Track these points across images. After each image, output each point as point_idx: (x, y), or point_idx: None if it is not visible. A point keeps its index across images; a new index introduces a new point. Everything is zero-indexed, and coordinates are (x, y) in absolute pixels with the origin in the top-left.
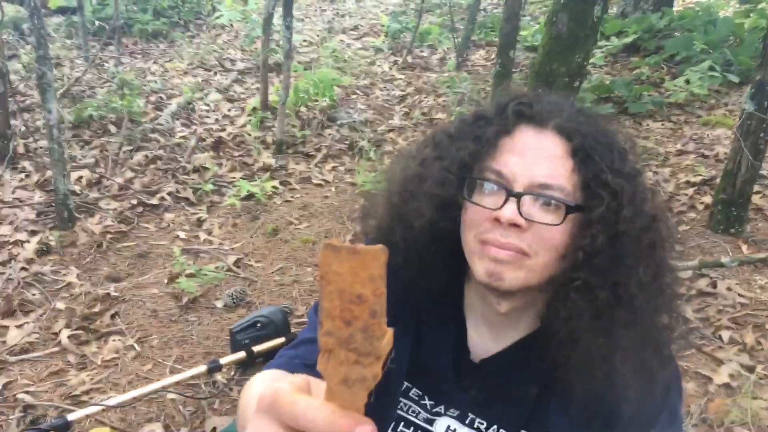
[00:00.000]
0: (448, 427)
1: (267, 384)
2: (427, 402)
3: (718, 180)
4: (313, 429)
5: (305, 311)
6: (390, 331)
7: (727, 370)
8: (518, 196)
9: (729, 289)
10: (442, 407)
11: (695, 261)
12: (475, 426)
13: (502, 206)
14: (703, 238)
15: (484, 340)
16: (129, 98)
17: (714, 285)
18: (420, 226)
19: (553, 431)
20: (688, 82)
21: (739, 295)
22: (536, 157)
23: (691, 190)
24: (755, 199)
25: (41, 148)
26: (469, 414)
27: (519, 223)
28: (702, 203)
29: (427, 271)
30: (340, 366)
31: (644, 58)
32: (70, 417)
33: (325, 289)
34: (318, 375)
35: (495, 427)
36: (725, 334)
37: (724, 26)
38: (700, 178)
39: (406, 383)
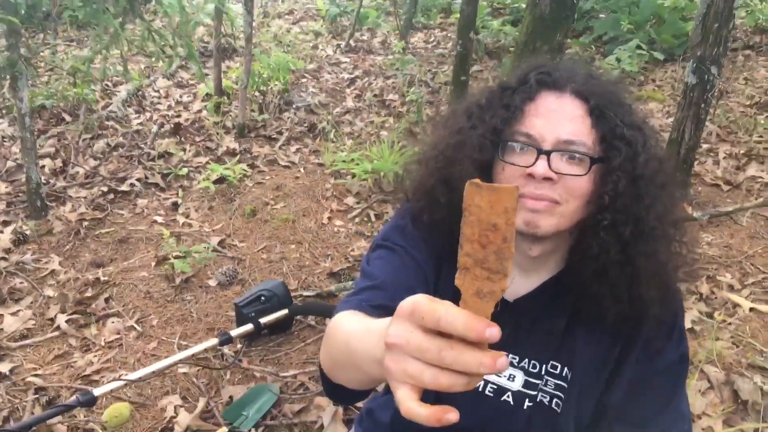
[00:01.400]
0: None
1: (354, 321)
2: None
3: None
4: (453, 328)
5: (298, 285)
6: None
7: (690, 317)
8: (547, 154)
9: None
10: None
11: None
12: (511, 363)
13: (534, 163)
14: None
15: (516, 281)
16: (82, 86)
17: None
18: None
19: (579, 358)
20: (618, 60)
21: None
22: (559, 118)
23: None
24: (694, 166)
25: (3, 137)
26: (504, 352)
27: (550, 176)
28: None
29: None
30: (474, 281)
31: (575, 39)
32: (96, 392)
33: (467, 219)
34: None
35: (527, 359)
36: (682, 287)
37: (647, 7)
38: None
39: None
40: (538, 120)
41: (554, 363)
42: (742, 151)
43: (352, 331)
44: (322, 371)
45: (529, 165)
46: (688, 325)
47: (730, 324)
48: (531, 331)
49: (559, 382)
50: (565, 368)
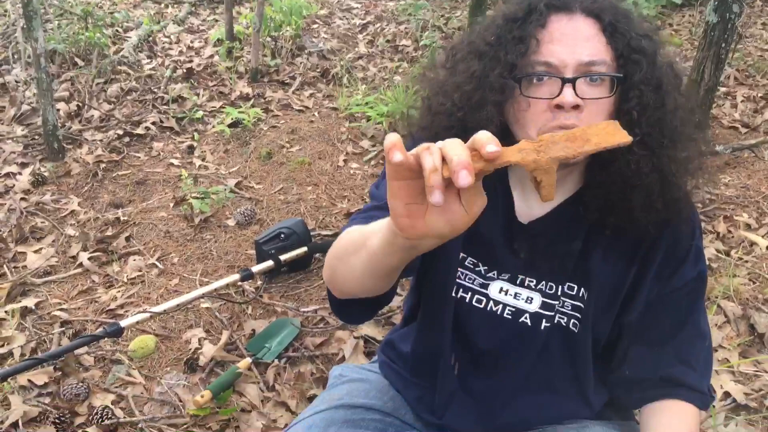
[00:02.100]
0: (501, 288)
1: (355, 230)
2: (482, 268)
3: None
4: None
5: (316, 225)
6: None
7: (707, 255)
8: (573, 81)
9: (697, 187)
10: (495, 272)
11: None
12: (526, 284)
13: (560, 93)
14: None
15: (531, 205)
16: (93, 31)
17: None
18: (492, 130)
19: (595, 279)
20: (635, 4)
21: (707, 192)
22: (576, 40)
23: None
24: (712, 108)
25: (16, 81)
26: (519, 275)
27: (579, 103)
28: None
29: None
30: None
31: None
32: (122, 323)
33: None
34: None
35: (544, 282)
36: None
37: None
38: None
39: (462, 254)
40: (554, 46)
41: (570, 284)
42: (760, 95)
43: (358, 229)
44: (329, 290)
45: (554, 96)
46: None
47: (746, 261)
48: (547, 253)
49: (576, 303)
50: (582, 289)
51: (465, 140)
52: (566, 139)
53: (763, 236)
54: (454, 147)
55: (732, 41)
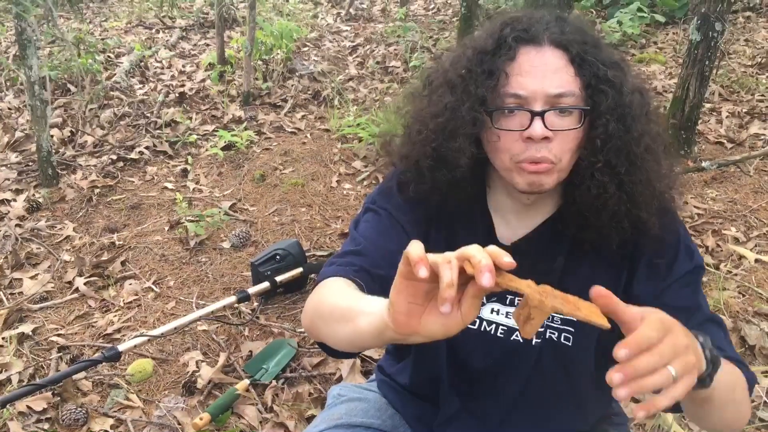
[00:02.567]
0: (492, 309)
1: (339, 288)
2: None
3: (662, 109)
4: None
5: (311, 246)
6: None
7: None
8: (542, 114)
9: (686, 202)
10: (484, 298)
11: (678, 167)
12: (516, 303)
13: (529, 126)
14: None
15: (513, 227)
16: (86, 57)
17: (672, 199)
18: (465, 163)
19: (585, 292)
20: (620, 23)
21: (695, 207)
22: (544, 72)
23: None
24: (698, 125)
25: (9, 108)
26: (508, 295)
27: (548, 135)
28: None
29: (460, 190)
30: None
31: (576, 2)
32: (120, 348)
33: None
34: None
35: None
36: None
37: None
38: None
39: None
40: (523, 78)
41: None
42: (744, 110)
43: (352, 302)
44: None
45: (524, 128)
46: None
47: (736, 275)
48: (532, 272)
49: (566, 317)
50: None
51: (436, 170)
52: (563, 298)
53: (751, 249)
54: (478, 251)
55: (715, 58)
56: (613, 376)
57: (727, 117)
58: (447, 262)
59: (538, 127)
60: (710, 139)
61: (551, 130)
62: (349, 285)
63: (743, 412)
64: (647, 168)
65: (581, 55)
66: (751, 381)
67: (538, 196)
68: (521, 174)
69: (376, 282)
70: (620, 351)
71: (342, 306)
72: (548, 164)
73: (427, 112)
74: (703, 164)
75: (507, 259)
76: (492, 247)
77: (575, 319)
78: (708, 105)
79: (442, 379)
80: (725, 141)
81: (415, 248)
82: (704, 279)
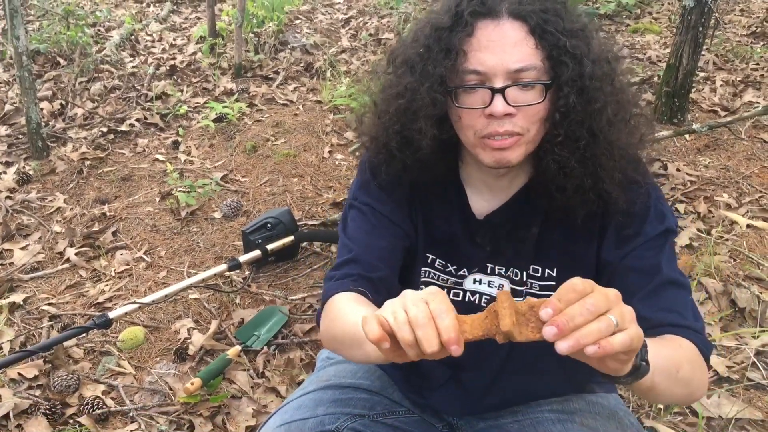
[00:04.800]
0: (474, 279)
1: (343, 309)
2: (451, 268)
3: (655, 79)
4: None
5: (302, 215)
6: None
7: (687, 234)
8: (502, 91)
9: (678, 170)
10: (466, 269)
11: (670, 131)
12: (497, 272)
13: (490, 103)
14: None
15: (487, 199)
16: (75, 30)
17: (665, 167)
18: (427, 144)
19: (561, 258)
20: None
21: (688, 174)
22: (504, 46)
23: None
24: (691, 93)
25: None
26: (488, 264)
27: (510, 111)
28: (643, 100)
29: (430, 168)
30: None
31: None
32: (111, 315)
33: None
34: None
35: (512, 268)
36: (680, 207)
37: None
38: (639, 78)
39: (430, 255)
40: (482, 54)
41: (535, 266)
42: (738, 79)
43: (357, 323)
44: None
45: (486, 105)
46: (686, 241)
47: (727, 240)
48: (508, 241)
49: (544, 283)
50: (547, 270)
51: (403, 151)
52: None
53: (743, 215)
54: (441, 316)
55: (709, 25)
56: (545, 329)
57: (721, 86)
58: (405, 324)
59: (499, 105)
60: (704, 107)
61: (513, 105)
62: (352, 300)
63: (696, 386)
64: (610, 140)
65: (541, 26)
66: (705, 350)
67: (508, 171)
68: (485, 150)
69: (377, 284)
70: (542, 310)
71: (349, 332)
72: (513, 137)
73: (389, 93)
74: (694, 126)
75: (454, 351)
76: (431, 297)
77: (555, 282)
78: (702, 74)
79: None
80: (719, 109)
81: (369, 329)
82: (695, 244)
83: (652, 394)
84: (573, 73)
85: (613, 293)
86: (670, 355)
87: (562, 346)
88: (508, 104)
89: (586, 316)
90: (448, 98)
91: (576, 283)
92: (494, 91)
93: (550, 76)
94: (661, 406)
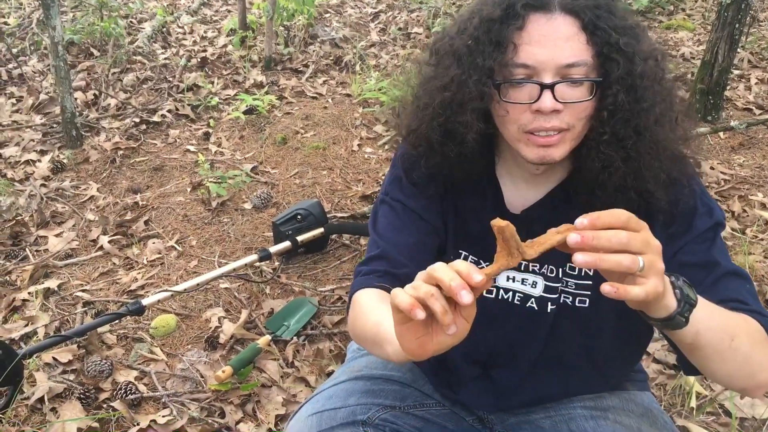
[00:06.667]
0: (508, 276)
1: (367, 306)
2: (484, 264)
3: (689, 76)
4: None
5: (332, 207)
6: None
7: (722, 233)
8: (551, 87)
9: (712, 168)
10: None
11: (706, 128)
12: (531, 270)
13: (538, 98)
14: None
15: (523, 194)
16: (108, 21)
17: (698, 165)
18: (472, 138)
19: None
20: None
21: (722, 172)
22: (555, 41)
23: None
24: (726, 90)
25: (33, 72)
26: (522, 261)
27: (558, 108)
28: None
29: (470, 162)
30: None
31: None
32: (144, 302)
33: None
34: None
35: (546, 266)
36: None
37: None
38: (672, 75)
39: (462, 252)
40: (532, 48)
41: (571, 264)
42: None
43: (377, 322)
44: None
45: (533, 100)
46: None
47: (762, 240)
48: None
49: (580, 281)
50: (584, 268)
51: (445, 144)
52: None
53: None
54: (445, 273)
55: (745, 22)
56: (570, 235)
57: (756, 84)
58: (430, 296)
59: (547, 101)
60: (738, 105)
61: (561, 102)
62: (375, 297)
63: (758, 366)
64: (656, 139)
65: (593, 22)
66: None
67: (549, 167)
68: (529, 145)
69: (402, 282)
70: (579, 219)
71: (371, 331)
72: (559, 133)
73: (433, 84)
74: (732, 124)
75: (477, 277)
76: (458, 263)
77: (591, 281)
78: (737, 72)
79: (456, 349)
80: (754, 108)
81: (400, 299)
82: (730, 243)
83: (700, 356)
84: (623, 70)
85: (655, 243)
86: (726, 321)
87: (578, 258)
88: (557, 100)
89: (614, 243)
90: (495, 92)
91: (621, 212)
92: (543, 86)
93: (599, 73)
94: (693, 405)
